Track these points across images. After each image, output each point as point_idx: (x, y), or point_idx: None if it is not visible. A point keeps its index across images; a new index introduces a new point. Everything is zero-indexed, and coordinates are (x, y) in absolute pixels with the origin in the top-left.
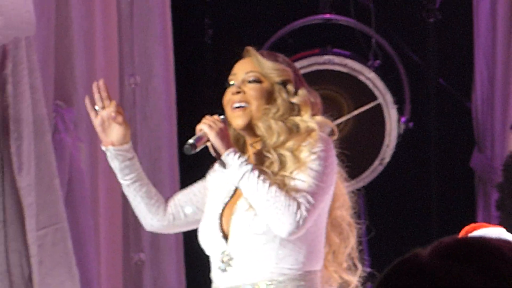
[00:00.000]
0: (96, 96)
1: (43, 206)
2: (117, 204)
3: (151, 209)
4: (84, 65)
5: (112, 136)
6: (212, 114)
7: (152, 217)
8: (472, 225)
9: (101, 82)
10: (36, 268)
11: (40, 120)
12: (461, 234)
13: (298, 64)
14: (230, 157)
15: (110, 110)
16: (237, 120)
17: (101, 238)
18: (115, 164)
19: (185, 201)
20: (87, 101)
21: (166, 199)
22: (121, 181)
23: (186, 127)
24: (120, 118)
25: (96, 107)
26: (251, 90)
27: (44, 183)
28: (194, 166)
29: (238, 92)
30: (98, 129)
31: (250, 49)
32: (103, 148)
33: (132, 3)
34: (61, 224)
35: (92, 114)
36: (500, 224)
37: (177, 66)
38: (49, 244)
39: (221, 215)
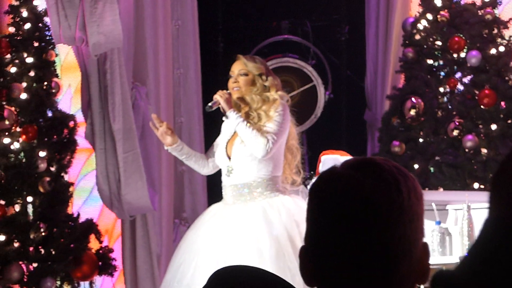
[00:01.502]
0: (156, 121)
1: (126, 140)
2: None
3: (200, 167)
4: (152, 62)
5: (168, 141)
6: (222, 90)
7: (202, 169)
8: (324, 151)
9: (154, 116)
10: (122, 174)
11: (125, 93)
12: (321, 155)
13: (269, 63)
14: (232, 113)
15: (163, 128)
16: (235, 95)
17: (162, 156)
18: (174, 154)
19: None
20: (151, 124)
21: (205, 154)
22: (180, 158)
23: (207, 99)
24: (169, 132)
25: (158, 126)
26: (242, 80)
27: (126, 127)
28: (212, 124)
29: (235, 82)
30: (160, 137)
31: (240, 56)
32: (165, 148)
33: (178, 29)
34: (136, 150)
35: (155, 130)
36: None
37: (202, 64)
38: (129, 161)
39: (226, 146)
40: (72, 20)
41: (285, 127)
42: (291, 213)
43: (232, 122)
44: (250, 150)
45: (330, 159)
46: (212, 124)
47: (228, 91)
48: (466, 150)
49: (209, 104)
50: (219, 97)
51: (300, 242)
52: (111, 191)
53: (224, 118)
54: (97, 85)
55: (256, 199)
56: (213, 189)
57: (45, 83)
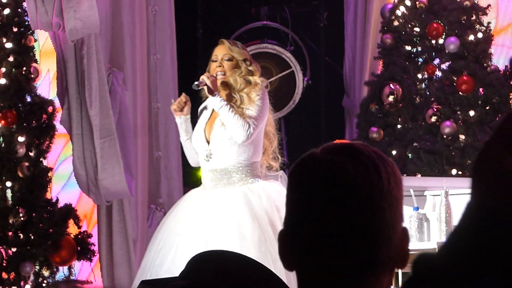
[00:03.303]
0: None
1: (103, 125)
2: (145, 124)
3: (195, 155)
4: (129, 48)
5: (184, 111)
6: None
7: (195, 158)
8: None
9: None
10: (99, 159)
11: (102, 78)
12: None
13: (248, 49)
14: (216, 97)
15: (183, 98)
16: (219, 82)
17: (138, 143)
18: (181, 129)
19: None
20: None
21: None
22: (183, 138)
23: (183, 85)
24: (188, 103)
25: (172, 101)
26: (226, 65)
27: (103, 113)
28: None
29: (219, 66)
30: (175, 112)
31: (224, 40)
32: (177, 117)
33: (155, 14)
34: (113, 136)
35: (172, 107)
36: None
37: (181, 50)
38: (106, 147)
39: (204, 129)
40: (49, 5)
41: (265, 113)
42: (271, 198)
43: (215, 105)
44: (231, 134)
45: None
46: None
47: (213, 75)
48: (444, 136)
49: (196, 82)
50: (205, 78)
51: (281, 227)
52: (88, 176)
53: (206, 100)
54: (74, 70)
55: (236, 184)
56: (188, 174)
57: (24, 68)
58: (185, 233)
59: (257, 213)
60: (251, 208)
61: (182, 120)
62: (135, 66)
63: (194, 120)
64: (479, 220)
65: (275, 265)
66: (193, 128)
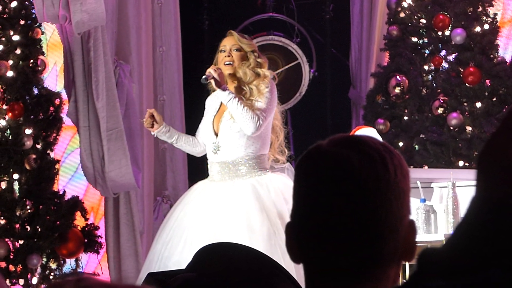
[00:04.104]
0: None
1: (110, 118)
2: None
3: (192, 147)
4: (135, 40)
5: (154, 127)
6: (211, 66)
7: (195, 149)
8: (357, 127)
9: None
10: (106, 152)
11: (108, 71)
12: (352, 132)
13: (254, 41)
14: (224, 90)
15: (146, 115)
16: (227, 71)
17: (144, 135)
18: (162, 139)
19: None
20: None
21: (193, 134)
22: (169, 142)
23: (189, 77)
24: (152, 118)
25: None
26: (235, 55)
27: (110, 105)
28: (194, 102)
29: (228, 56)
30: (148, 129)
31: (232, 31)
32: (152, 133)
33: (161, 7)
34: (120, 128)
35: (142, 123)
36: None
37: (187, 42)
38: (113, 139)
39: (213, 122)
40: None
41: (273, 105)
42: (279, 190)
43: (223, 98)
44: (240, 126)
45: (365, 133)
46: (193, 103)
47: (219, 67)
48: (451, 128)
49: (204, 76)
50: (212, 71)
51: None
52: (95, 168)
53: (213, 92)
54: (81, 63)
55: (244, 176)
56: (193, 167)
57: (31, 61)
58: (193, 226)
59: (266, 206)
60: (260, 200)
61: (157, 135)
62: (141, 58)
63: (201, 114)
64: (485, 213)
65: (284, 258)
66: (199, 123)
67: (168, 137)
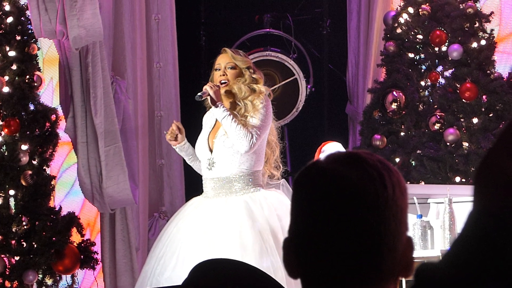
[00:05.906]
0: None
1: (108, 133)
2: (146, 132)
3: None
4: (130, 56)
5: (178, 139)
6: (208, 83)
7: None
8: (323, 143)
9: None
10: (104, 167)
11: (106, 86)
12: (319, 147)
13: (251, 56)
14: (220, 107)
15: (173, 126)
16: (223, 90)
17: (139, 151)
18: (181, 154)
19: None
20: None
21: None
22: (187, 160)
23: (186, 93)
24: (179, 130)
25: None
26: (230, 73)
27: (108, 121)
28: (191, 118)
29: (223, 75)
30: (170, 142)
31: (226, 49)
32: (173, 146)
33: (158, 22)
34: (118, 144)
35: (166, 137)
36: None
37: (184, 58)
38: (111, 155)
39: (208, 138)
40: (52, 13)
41: (268, 122)
42: (273, 207)
43: (218, 115)
44: (234, 144)
45: (332, 148)
46: (191, 119)
47: (217, 84)
48: (448, 143)
49: (199, 93)
50: (209, 88)
51: (282, 237)
52: (92, 184)
53: (210, 109)
54: (79, 78)
55: (238, 193)
56: (191, 183)
57: (27, 76)
58: (186, 242)
59: (259, 223)
60: (253, 217)
61: (177, 149)
62: (136, 74)
63: (199, 129)
64: (482, 227)
65: (276, 275)
66: (196, 139)
67: (187, 153)
